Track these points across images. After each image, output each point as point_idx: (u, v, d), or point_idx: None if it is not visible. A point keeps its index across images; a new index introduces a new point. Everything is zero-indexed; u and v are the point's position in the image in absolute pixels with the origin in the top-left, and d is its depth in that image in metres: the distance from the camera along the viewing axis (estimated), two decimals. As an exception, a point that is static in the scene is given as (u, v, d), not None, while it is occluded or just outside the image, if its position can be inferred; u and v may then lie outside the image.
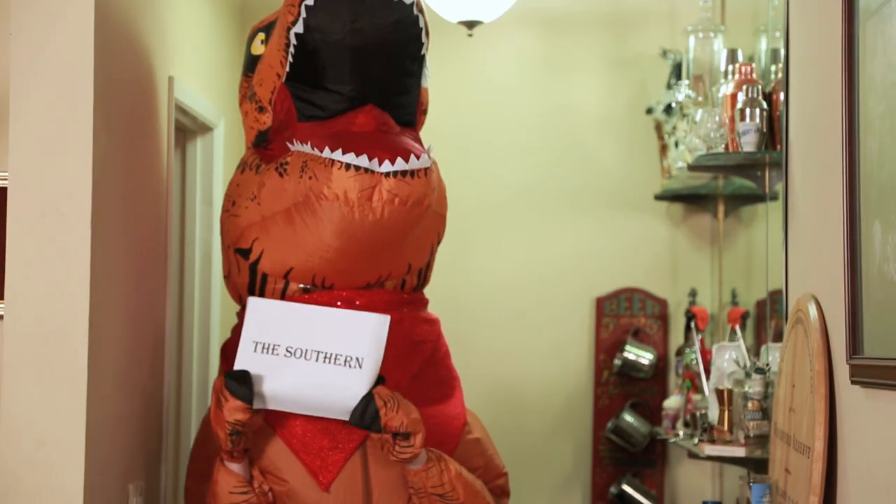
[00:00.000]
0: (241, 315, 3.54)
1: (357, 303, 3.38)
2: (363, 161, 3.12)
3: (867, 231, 2.40)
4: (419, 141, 3.41)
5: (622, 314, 5.28)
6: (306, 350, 3.15)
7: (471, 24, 4.71)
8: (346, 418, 3.13)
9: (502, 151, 5.35)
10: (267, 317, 3.18)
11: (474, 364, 5.12)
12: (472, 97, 5.35)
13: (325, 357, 3.15)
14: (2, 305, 3.14)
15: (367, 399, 3.11)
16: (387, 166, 3.12)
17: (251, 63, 3.50)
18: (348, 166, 3.11)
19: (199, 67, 4.36)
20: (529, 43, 5.36)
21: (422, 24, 3.27)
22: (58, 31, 3.05)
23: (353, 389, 3.12)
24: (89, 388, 3.01)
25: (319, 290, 3.37)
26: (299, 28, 3.19)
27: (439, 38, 5.21)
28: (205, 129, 4.46)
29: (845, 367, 2.53)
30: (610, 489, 5.13)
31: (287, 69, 3.28)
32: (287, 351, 3.15)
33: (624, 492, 5.09)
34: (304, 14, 3.17)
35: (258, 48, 3.47)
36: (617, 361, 5.16)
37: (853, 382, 2.48)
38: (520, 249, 5.30)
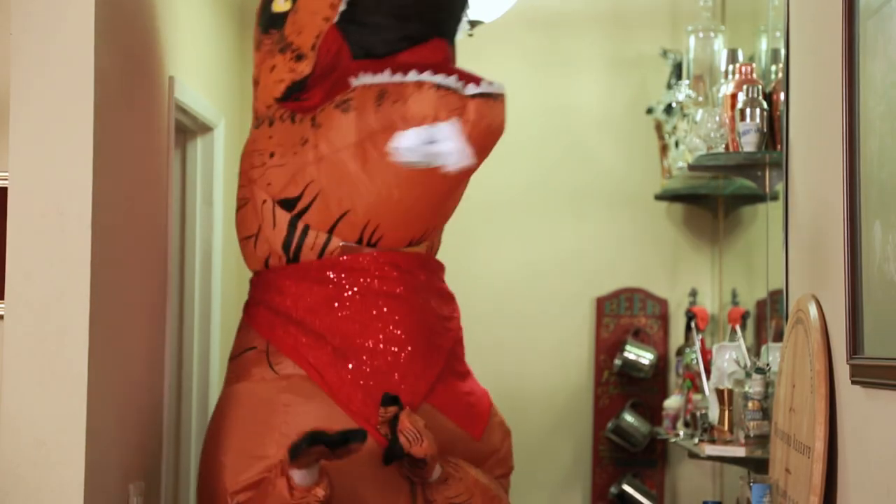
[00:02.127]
0: (253, 282, 3.53)
1: (399, 265, 3.35)
2: (451, 81, 3.09)
3: (867, 231, 2.40)
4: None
5: (622, 314, 5.28)
6: None
7: (471, 24, 4.71)
8: None
9: (502, 151, 5.29)
10: None
11: (475, 363, 5.10)
12: (472, 97, 5.35)
13: None
14: (2, 305, 3.14)
15: (393, 441, 3.12)
16: (472, 88, 3.09)
17: (273, 19, 3.44)
18: (438, 87, 3.08)
19: (199, 67, 4.36)
20: (530, 43, 5.36)
21: None
22: (58, 30, 3.05)
23: None
24: (89, 388, 3.00)
25: (362, 248, 3.34)
26: None
27: (439, 38, 5.23)
28: (205, 129, 4.46)
29: (845, 367, 2.53)
30: (610, 489, 5.13)
31: (341, 9, 3.23)
32: None
33: (624, 492, 5.09)
34: None
35: (281, 5, 3.41)
36: (617, 361, 5.16)
37: (853, 382, 2.48)
38: (520, 249, 5.30)
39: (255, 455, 3.26)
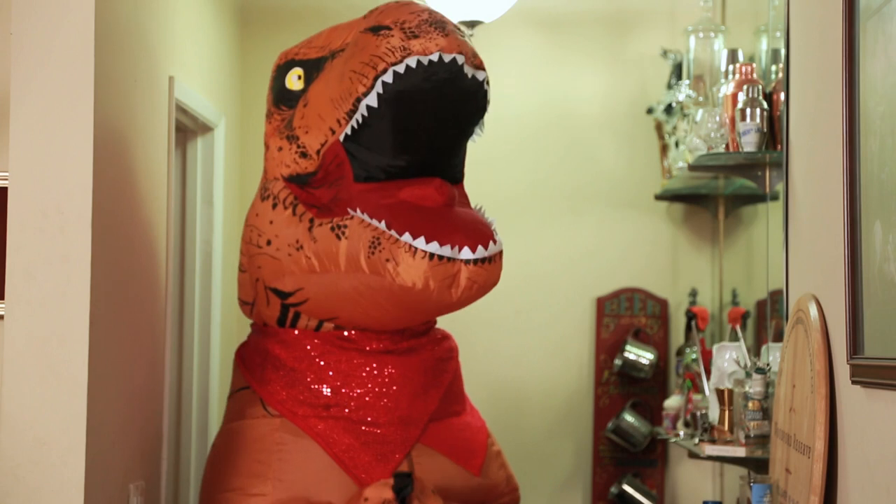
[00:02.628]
0: (254, 327, 3.56)
1: (393, 350, 3.39)
2: (446, 251, 3.08)
3: (867, 231, 2.40)
4: (468, 199, 3.40)
5: (623, 314, 5.28)
6: None
7: (471, 24, 4.71)
8: None
9: (503, 152, 5.35)
10: None
11: (475, 364, 5.12)
12: (472, 97, 5.35)
13: None
14: (2, 305, 3.14)
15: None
16: (467, 253, 3.09)
17: (284, 95, 3.41)
18: (431, 255, 3.08)
19: (199, 67, 4.36)
20: (530, 43, 5.36)
21: (488, 96, 3.26)
22: (58, 31, 3.05)
23: None
24: (89, 388, 3.00)
25: (355, 330, 3.38)
26: (372, 101, 3.12)
27: (439, 38, 5.22)
28: (205, 128, 4.47)
29: (845, 367, 2.53)
30: (610, 489, 5.13)
31: (348, 131, 3.21)
32: None
33: (624, 492, 5.09)
34: (379, 89, 3.09)
35: (294, 83, 3.38)
36: (617, 361, 5.16)
37: (853, 382, 2.48)
38: (520, 249, 5.30)
39: (252, 493, 3.29)
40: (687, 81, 4.83)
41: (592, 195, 5.32)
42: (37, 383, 2.99)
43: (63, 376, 2.99)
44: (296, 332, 3.41)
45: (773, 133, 3.76)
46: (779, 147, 3.70)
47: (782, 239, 3.37)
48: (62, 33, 3.05)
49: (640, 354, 5.15)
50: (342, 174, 3.25)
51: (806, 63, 3.12)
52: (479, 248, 3.10)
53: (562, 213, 5.32)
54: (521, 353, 5.28)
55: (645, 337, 5.24)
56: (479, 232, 3.14)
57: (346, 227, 3.21)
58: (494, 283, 3.21)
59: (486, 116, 5.29)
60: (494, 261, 3.15)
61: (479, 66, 3.18)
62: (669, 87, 5.04)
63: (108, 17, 3.15)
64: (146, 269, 3.55)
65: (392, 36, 3.08)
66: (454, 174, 3.34)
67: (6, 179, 3.07)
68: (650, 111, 5.13)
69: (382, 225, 3.14)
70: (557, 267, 5.30)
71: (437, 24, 3.10)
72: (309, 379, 3.35)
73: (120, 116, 3.29)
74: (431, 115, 3.15)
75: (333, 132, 3.24)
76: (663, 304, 5.27)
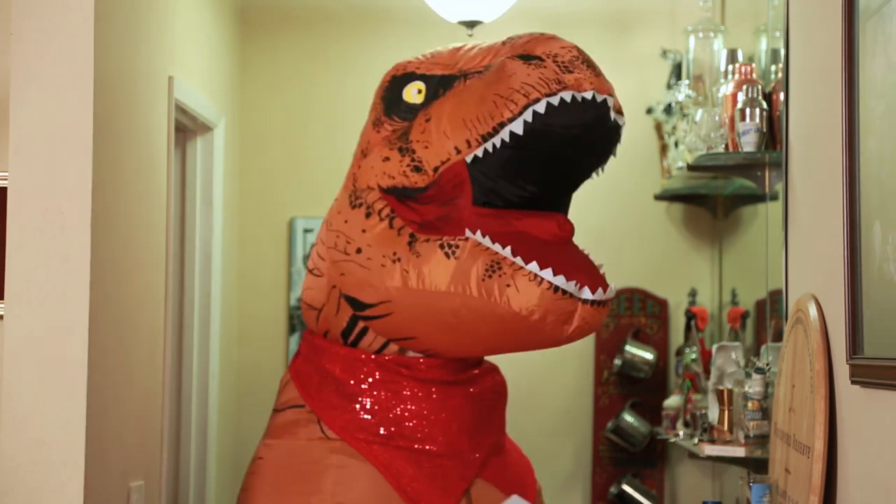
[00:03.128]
0: (308, 340, 3.46)
1: (462, 381, 3.36)
2: (570, 287, 3.01)
3: (867, 231, 2.40)
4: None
5: (622, 314, 5.28)
6: None
7: (471, 24, 4.71)
8: None
9: (502, 151, 5.35)
10: None
11: (474, 364, 5.12)
12: (472, 97, 5.35)
13: None
14: (2, 305, 3.14)
15: None
16: (587, 294, 3.03)
17: (401, 107, 3.30)
18: (556, 288, 3.01)
19: (199, 67, 4.36)
20: (529, 43, 5.35)
21: (620, 140, 3.21)
22: (58, 31, 3.05)
23: None
24: (89, 388, 3.00)
25: (421, 355, 3.29)
26: (517, 128, 3.01)
27: (439, 39, 5.21)
28: (205, 129, 4.47)
29: (845, 367, 2.53)
30: (610, 489, 5.13)
31: (479, 153, 3.11)
32: None
33: (624, 492, 5.09)
34: (528, 117, 3.00)
35: (413, 97, 3.27)
36: (617, 361, 5.16)
37: (853, 382, 2.48)
38: (520, 249, 5.29)
39: None
40: (686, 81, 4.83)
41: (592, 195, 5.30)
42: (37, 383, 2.99)
43: (63, 376, 2.99)
44: (361, 355, 3.30)
45: (773, 133, 3.77)
46: (778, 147, 3.70)
47: (782, 239, 3.37)
48: (62, 33, 3.05)
49: (639, 354, 5.16)
50: (458, 195, 3.15)
51: (805, 63, 3.12)
52: (599, 290, 3.04)
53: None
54: (520, 352, 5.27)
55: (644, 337, 5.24)
56: (598, 275, 3.10)
57: (458, 247, 3.11)
58: (598, 328, 3.21)
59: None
60: (607, 305, 3.11)
61: (620, 112, 3.14)
62: (669, 87, 5.04)
63: (107, 17, 3.15)
64: (146, 270, 3.55)
65: (545, 67, 3.04)
66: (567, 210, 3.32)
67: (6, 179, 3.07)
68: (650, 111, 5.13)
69: (507, 251, 3.07)
70: (557, 267, 5.29)
71: (588, 62, 3.09)
72: (370, 405, 3.27)
73: (120, 116, 3.29)
74: (569, 152, 3.11)
75: (459, 152, 3.12)
76: (663, 304, 5.27)
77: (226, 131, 4.73)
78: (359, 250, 3.22)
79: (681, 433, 4.43)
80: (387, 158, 3.23)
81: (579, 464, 5.26)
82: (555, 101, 3.00)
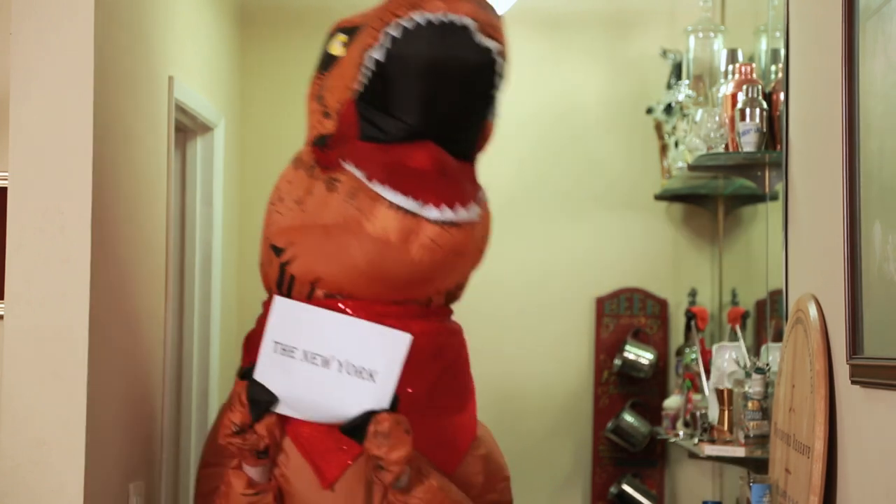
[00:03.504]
0: (266, 304, 3.53)
1: (378, 310, 3.34)
2: (410, 203, 3.06)
3: (867, 231, 2.40)
4: (474, 177, 3.36)
5: (622, 314, 5.28)
6: (322, 356, 3.14)
7: (471, 24, 4.70)
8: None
9: (502, 151, 5.33)
10: (290, 318, 3.15)
11: (474, 364, 5.09)
12: (472, 97, 5.35)
13: (340, 365, 3.13)
14: (2, 305, 3.14)
15: (365, 417, 3.10)
16: (432, 212, 3.07)
17: (326, 61, 3.40)
18: (393, 205, 3.06)
19: (199, 67, 4.36)
20: (529, 42, 5.36)
21: (500, 70, 3.20)
22: (58, 31, 3.05)
23: (360, 401, 3.11)
24: (89, 388, 3.01)
25: (345, 298, 3.35)
26: (379, 55, 3.11)
27: (439, 38, 5.22)
28: (205, 128, 4.47)
29: (845, 367, 2.53)
30: (610, 489, 5.13)
31: (359, 88, 3.20)
32: (304, 354, 3.14)
33: (624, 492, 5.09)
34: (387, 43, 3.09)
35: (336, 48, 3.35)
36: (617, 361, 5.16)
37: (853, 382, 2.48)
38: (520, 249, 5.30)
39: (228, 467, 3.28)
40: (686, 81, 4.83)
41: (592, 195, 5.32)
42: (37, 383, 2.99)
43: (63, 376, 2.99)
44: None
45: (773, 133, 3.77)
46: (778, 147, 3.70)
47: (782, 239, 3.37)
48: (62, 33, 3.05)
49: (639, 354, 5.16)
50: (351, 134, 3.26)
51: (805, 63, 3.12)
52: (446, 209, 3.08)
53: (561, 213, 5.32)
54: (521, 352, 5.28)
55: (644, 337, 5.24)
56: (451, 194, 3.12)
57: (338, 180, 3.21)
58: (460, 251, 3.15)
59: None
60: (462, 228, 3.12)
61: (494, 37, 3.15)
62: (669, 87, 5.04)
63: (108, 17, 3.15)
64: (146, 270, 3.55)
65: None
66: (461, 149, 3.31)
67: (6, 179, 3.07)
68: (650, 111, 5.13)
69: (362, 175, 3.14)
70: (557, 267, 5.30)
71: None
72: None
73: (120, 116, 3.29)
74: (436, 79, 3.13)
75: (349, 91, 3.23)
76: (663, 304, 5.27)
77: (226, 131, 4.73)
78: (281, 199, 3.35)
79: (681, 433, 4.43)
80: (312, 111, 3.36)
81: (579, 464, 5.26)
82: (409, 24, 3.05)
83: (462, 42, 3.09)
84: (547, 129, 5.33)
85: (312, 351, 3.13)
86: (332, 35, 3.46)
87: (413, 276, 3.22)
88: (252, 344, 3.45)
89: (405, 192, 3.08)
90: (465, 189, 3.21)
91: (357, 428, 3.09)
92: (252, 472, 3.17)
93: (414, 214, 3.07)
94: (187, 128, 4.35)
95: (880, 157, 2.33)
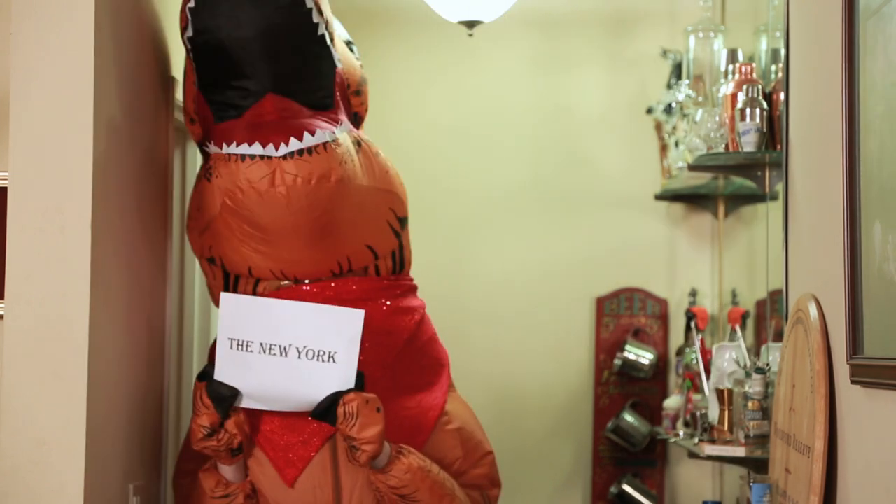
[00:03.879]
0: None
1: (328, 294, 3.34)
2: (256, 149, 3.08)
3: (867, 231, 2.40)
4: (337, 121, 3.30)
5: (622, 314, 5.28)
6: (279, 346, 3.14)
7: (471, 24, 4.71)
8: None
9: (502, 151, 5.35)
10: (240, 312, 3.16)
11: (474, 364, 5.12)
12: (472, 97, 5.36)
13: (298, 352, 3.13)
14: (2, 305, 3.14)
15: (333, 399, 3.10)
16: (282, 149, 3.08)
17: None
18: (244, 157, 3.09)
19: (200, 67, 4.35)
20: (529, 43, 5.36)
21: (310, 4, 3.15)
22: (58, 31, 3.05)
23: (326, 385, 3.12)
24: (89, 388, 3.00)
25: (290, 283, 3.35)
26: (189, 33, 3.16)
27: (439, 38, 5.23)
28: (205, 129, 4.46)
29: (845, 367, 2.53)
30: (610, 489, 5.13)
31: (196, 77, 3.25)
32: (261, 347, 3.14)
33: (624, 492, 5.09)
34: (189, 17, 3.13)
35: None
36: (617, 361, 5.17)
37: (853, 382, 2.48)
38: (520, 249, 5.30)
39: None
40: (686, 81, 4.83)
41: (592, 195, 5.32)
42: (37, 383, 2.99)
43: (63, 376, 2.99)
44: None
45: (773, 133, 3.76)
46: (778, 147, 3.70)
47: (782, 239, 3.37)
48: (62, 33, 3.04)
49: (639, 354, 5.16)
50: (209, 124, 3.28)
51: (805, 63, 3.12)
52: (293, 140, 3.09)
53: (561, 212, 5.32)
54: (521, 352, 5.28)
55: (644, 337, 5.24)
56: (295, 128, 3.12)
57: (211, 167, 3.24)
58: (326, 174, 3.13)
59: (486, 115, 5.34)
60: (316, 152, 3.12)
61: None
62: (669, 86, 5.04)
63: (108, 18, 3.15)
64: (146, 269, 3.55)
65: None
66: (314, 99, 3.28)
67: (6, 179, 3.07)
68: (650, 111, 5.13)
69: (217, 149, 3.17)
70: (557, 267, 5.30)
71: None
72: None
73: (120, 116, 3.28)
74: (249, 35, 3.12)
75: (194, 83, 3.28)
76: (663, 304, 5.27)
77: (226, 131, 4.72)
78: (190, 215, 3.44)
79: (681, 433, 4.43)
80: (186, 125, 3.43)
81: (579, 464, 5.26)
82: None
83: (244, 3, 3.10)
84: (547, 129, 5.33)
85: (269, 342, 3.13)
86: None
87: (300, 219, 3.18)
88: (211, 348, 3.47)
89: (249, 142, 3.10)
90: (312, 122, 3.19)
91: (326, 411, 3.10)
92: (228, 471, 3.18)
93: (265, 157, 3.09)
94: (187, 128, 4.34)
95: (880, 157, 2.33)
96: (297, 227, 3.20)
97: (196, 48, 3.19)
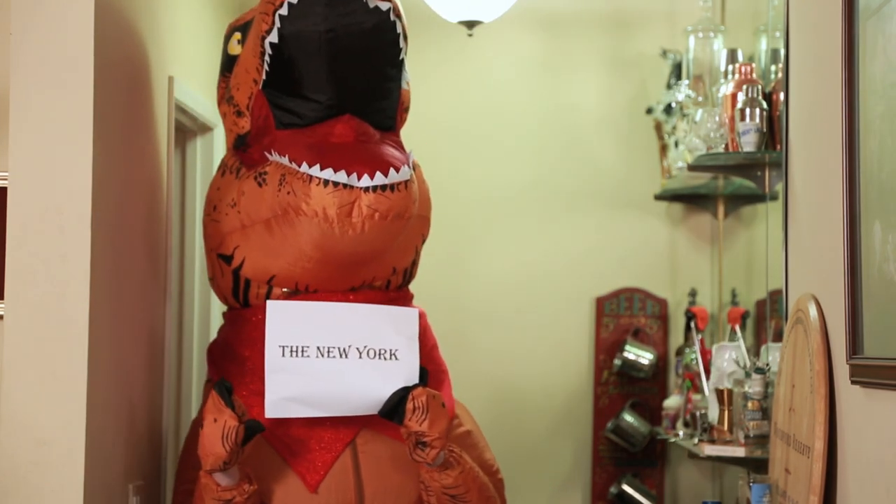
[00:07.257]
0: (226, 316, 3.53)
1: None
2: (341, 177, 3.06)
3: (867, 231, 2.40)
4: (400, 145, 3.35)
5: (622, 314, 5.28)
6: (338, 347, 3.11)
7: (471, 24, 4.71)
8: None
9: (502, 151, 5.35)
10: (289, 318, 3.13)
11: (474, 364, 5.12)
12: (472, 97, 5.36)
13: (359, 352, 3.11)
14: (2, 305, 3.14)
15: (402, 394, 3.09)
16: (366, 181, 3.06)
17: (228, 63, 3.44)
18: (326, 182, 3.06)
19: (199, 67, 4.36)
20: (529, 43, 5.36)
21: (399, 30, 3.19)
22: (58, 31, 3.05)
23: (391, 382, 3.09)
24: (89, 388, 3.01)
25: (303, 293, 3.34)
26: (274, 37, 3.13)
27: (439, 38, 5.23)
28: (205, 128, 4.46)
29: (845, 367, 2.53)
30: (610, 489, 5.13)
31: (264, 76, 3.22)
32: (318, 351, 3.11)
33: (624, 492, 5.09)
34: (278, 23, 3.10)
35: (235, 48, 3.41)
36: (617, 361, 5.17)
37: (853, 382, 2.48)
38: (520, 249, 5.30)
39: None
40: (686, 81, 4.83)
41: (592, 195, 5.32)
42: (37, 383, 2.99)
43: (63, 376, 2.99)
44: (244, 309, 3.38)
45: (773, 133, 3.77)
46: (778, 147, 3.70)
47: (782, 239, 3.37)
48: (62, 33, 3.05)
49: (639, 354, 5.16)
50: (268, 125, 3.25)
51: (805, 63, 3.13)
52: (378, 174, 3.07)
53: (561, 212, 5.32)
54: (521, 352, 5.28)
55: (644, 337, 5.24)
56: (381, 160, 3.11)
57: (265, 172, 3.21)
58: (401, 213, 3.13)
59: (486, 116, 5.34)
60: (398, 189, 3.11)
61: None
62: (669, 87, 5.05)
63: (107, 17, 3.15)
64: (146, 269, 3.55)
65: None
66: (380, 119, 3.29)
67: (6, 179, 3.07)
68: (650, 111, 5.13)
69: (286, 160, 3.13)
70: (557, 267, 5.30)
71: None
72: (255, 364, 3.28)
73: (120, 116, 3.29)
74: (335, 51, 3.12)
75: (256, 82, 3.25)
76: (663, 304, 5.27)
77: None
78: (214, 207, 3.38)
79: (681, 433, 4.43)
80: (224, 114, 3.41)
81: (579, 464, 5.26)
82: (294, 0, 3.06)
83: (352, 7, 3.09)
84: (547, 129, 5.33)
85: (326, 345, 3.11)
86: (227, 37, 3.48)
87: (361, 250, 3.19)
88: (216, 356, 3.45)
89: (334, 167, 3.08)
90: (393, 153, 3.20)
91: (394, 408, 3.08)
92: (222, 478, 3.11)
93: (348, 187, 3.07)
94: (187, 128, 4.34)
95: (880, 157, 2.33)
96: (355, 255, 3.21)
97: (277, 54, 3.16)
